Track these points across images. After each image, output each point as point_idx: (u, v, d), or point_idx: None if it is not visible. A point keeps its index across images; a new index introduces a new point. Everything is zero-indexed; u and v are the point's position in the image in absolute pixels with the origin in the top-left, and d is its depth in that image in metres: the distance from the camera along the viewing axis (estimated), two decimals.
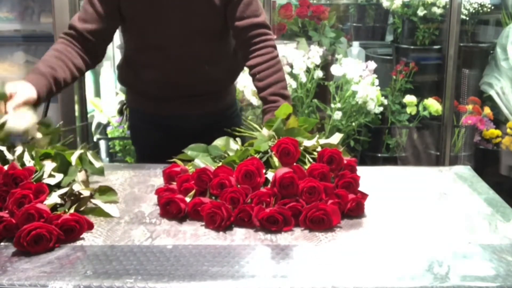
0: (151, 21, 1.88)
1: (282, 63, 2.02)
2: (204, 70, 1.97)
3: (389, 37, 3.85)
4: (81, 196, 1.53)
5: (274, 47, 1.94)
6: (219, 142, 1.69)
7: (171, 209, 1.52)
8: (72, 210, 1.46)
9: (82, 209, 1.52)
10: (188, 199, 1.53)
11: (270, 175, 1.57)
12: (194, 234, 1.44)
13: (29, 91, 1.65)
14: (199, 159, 1.66)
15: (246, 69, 2.07)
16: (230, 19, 1.92)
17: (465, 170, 1.96)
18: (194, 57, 1.95)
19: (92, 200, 1.56)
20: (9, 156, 1.55)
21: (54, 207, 1.46)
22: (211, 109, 2.03)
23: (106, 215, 1.53)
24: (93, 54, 1.91)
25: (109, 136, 3.28)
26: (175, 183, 1.60)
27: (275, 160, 1.59)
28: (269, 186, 1.54)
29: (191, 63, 1.95)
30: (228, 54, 2.04)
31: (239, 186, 1.52)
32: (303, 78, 3.14)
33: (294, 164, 1.58)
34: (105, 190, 1.62)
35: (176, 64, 1.94)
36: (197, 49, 1.94)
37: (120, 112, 2.21)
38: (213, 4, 1.89)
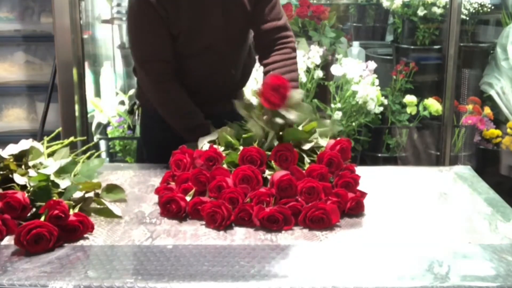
0: (194, 32, 1.91)
1: None
2: (230, 73, 2.03)
3: (389, 37, 3.84)
4: (86, 196, 1.53)
5: (294, 49, 2.01)
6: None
7: (171, 208, 1.52)
8: (76, 210, 1.46)
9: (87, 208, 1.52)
10: (188, 198, 1.53)
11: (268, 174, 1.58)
12: (194, 234, 1.44)
13: None
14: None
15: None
16: (255, 21, 1.97)
17: (465, 170, 1.96)
18: (224, 62, 1.99)
19: (101, 199, 1.56)
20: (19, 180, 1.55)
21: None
22: (225, 109, 2.05)
23: (110, 215, 1.52)
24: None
25: (109, 136, 3.27)
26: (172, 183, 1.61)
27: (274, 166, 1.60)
28: (267, 185, 1.54)
29: (220, 68, 2.00)
30: (246, 56, 2.09)
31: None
32: (303, 78, 3.14)
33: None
34: (112, 188, 1.61)
35: (207, 69, 1.98)
36: (227, 54, 1.99)
37: (131, 112, 2.22)
38: (247, 10, 1.93)
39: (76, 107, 2.83)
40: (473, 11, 3.45)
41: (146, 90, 2.00)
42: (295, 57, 2.01)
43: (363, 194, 1.58)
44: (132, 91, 3.22)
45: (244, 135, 1.72)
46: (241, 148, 1.66)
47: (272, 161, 1.59)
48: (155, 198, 1.62)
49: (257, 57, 2.17)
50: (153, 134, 2.15)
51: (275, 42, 1.99)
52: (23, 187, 1.52)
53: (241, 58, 2.06)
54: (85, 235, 1.41)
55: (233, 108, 2.10)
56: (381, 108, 3.24)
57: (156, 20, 1.86)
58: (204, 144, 1.72)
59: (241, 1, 1.92)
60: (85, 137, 2.63)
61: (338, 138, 1.69)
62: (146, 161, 2.15)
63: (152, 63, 1.92)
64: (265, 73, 1.99)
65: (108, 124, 3.28)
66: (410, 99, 3.35)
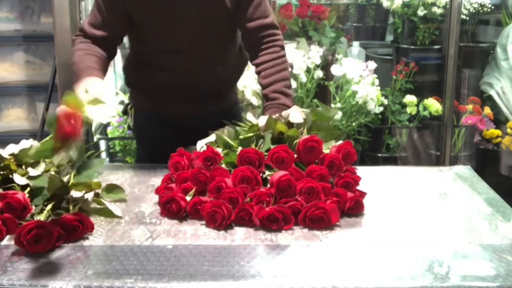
0: (167, 27, 1.91)
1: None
2: (215, 71, 2.01)
3: (389, 37, 3.85)
4: (85, 196, 1.53)
5: (282, 47, 1.99)
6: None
7: (171, 208, 1.52)
8: (76, 209, 1.46)
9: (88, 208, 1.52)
10: (188, 198, 1.54)
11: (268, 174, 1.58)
12: (194, 234, 1.44)
13: (101, 85, 1.70)
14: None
15: (247, 68, 2.08)
16: (240, 20, 1.96)
17: (465, 170, 1.96)
18: (207, 59, 1.98)
19: (101, 199, 1.55)
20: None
21: (57, 206, 1.46)
22: (218, 108, 2.05)
23: (110, 215, 1.52)
24: (106, 53, 1.93)
25: (109, 136, 3.27)
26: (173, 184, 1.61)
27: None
28: (267, 186, 1.54)
29: (204, 65, 1.98)
30: (235, 54, 2.08)
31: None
32: (303, 78, 3.14)
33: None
34: (112, 188, 1.61)
35: (190, 66, 1.97)
36: (210, 52, 1.98)
37: (124, 112, 2.22)
38: (226, 7, 1.92)
39: None
40: (473, 11, 3.45)
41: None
42: (284, 55, 1.98)
43: (363, 194, 1.58)
44: None
45: (241, 136, 1.71)
46: (239, 148, 1.66)
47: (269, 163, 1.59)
48: (155, 198, 1.62)
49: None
50: (147, 134, 2.15)
51: (262, 40, 1.96)
52: (24, 187, 1.52)
53: (228, 57, 2.04)
54: (85, 235, 1.41)
55: (224, 107, 2.10)
56: (381, 108, 3.24)
57: (113, 5, 1.87)
58: (202, 147, 1.72)
59: None
60: (85, 137, 2.63)
61: (341, 142, 1.69)
62: (142, 160, 2.16)
63: (84, 26, 1.92)
64: (257, 73, 1.98)
65: (108, 124, 3.28)
66: (410, 99, 3.35)
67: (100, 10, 1.90)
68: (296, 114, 1.73)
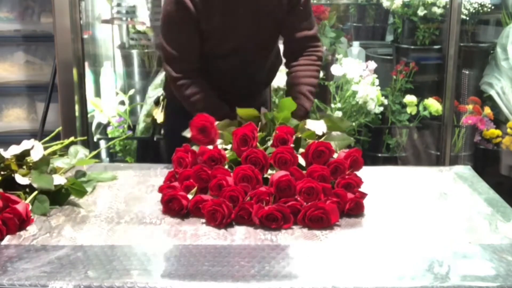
0: (226, 33, 1.96)
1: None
2: (258, 73, 2.09)
3: (389, 37, 3.84)
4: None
5: (320, 58, 2.09)
6: None
7: (173, 206, 1.52)
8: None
9: None
10: (190, 196, 1.54)
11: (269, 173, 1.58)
12: (194, 234, 1.44)
13: None
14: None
15: None
16: (287, 28, 2.04)
17: (465, 170, 1.96)
18: (253, 63, 2.05)
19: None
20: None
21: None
22: (253, 106, 2.08)
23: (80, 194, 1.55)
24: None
25: (109, 136, 3.27)
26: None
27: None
28: (267, 185, 1.54)
29: (249, 69, 2.04)
30: (273, 57, 2.15)
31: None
32: None
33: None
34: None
35: (236, 69, 2.02)
36: (258, 56, 2.06)
37: (156, 103, 2.26)
38: (278, 17, 1.99)
39: (76, 107, 2.83)
40: (473, 11, 3.44)
41: (171, 85, 2.05)
42: (319, 65, 2.08)
43: (363, 195, 1.58)
44: (132, 91, 3.23)
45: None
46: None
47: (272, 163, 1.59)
48: (155, 198, 1.62)
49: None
50: (176, 124, 2.16)
51: (303, 50, 2.06)
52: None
53: (269, 60, 2.12)
54: (85, 235, 1.41)
55: (257, 105, 2.12)
56: (381, 108, 3.24)
57: (187, 21, 1.90)
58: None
59: (273, 8, 1.97)
60: (85, 137, 2.63)
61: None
62: (171, 152, 2.19)
63: (177, 63, 1.96)
64: (288, 74, 2.06)
65: (108, 124, 3.28)
66: (410, 99, 3.35)
67: (180, 38, 1.93)
68: (319, 125, 1.76)
